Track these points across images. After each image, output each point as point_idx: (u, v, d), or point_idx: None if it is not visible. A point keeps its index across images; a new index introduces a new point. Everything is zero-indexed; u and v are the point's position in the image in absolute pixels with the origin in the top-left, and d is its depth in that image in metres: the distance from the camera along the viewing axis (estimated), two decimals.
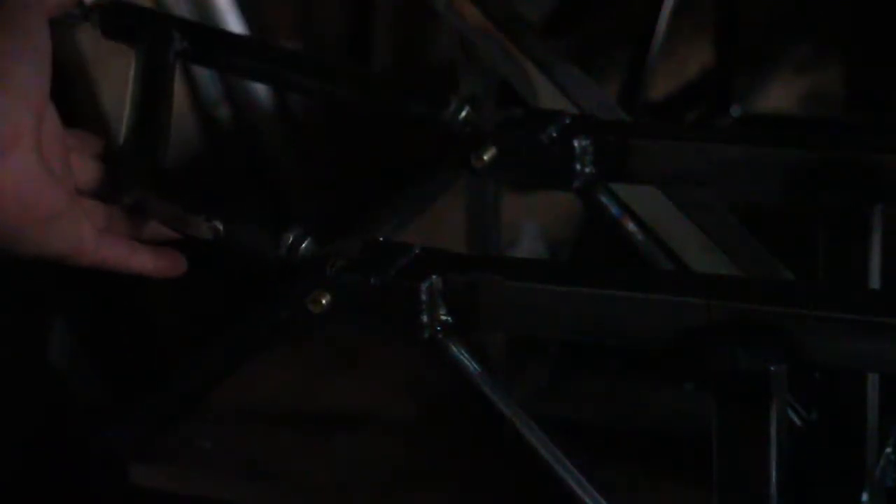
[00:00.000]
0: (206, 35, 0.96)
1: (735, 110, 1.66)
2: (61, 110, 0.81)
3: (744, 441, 0.73)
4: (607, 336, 0.76)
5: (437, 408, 1.26)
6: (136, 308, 1.57)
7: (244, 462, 1.23)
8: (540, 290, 0.77)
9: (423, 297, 0.77)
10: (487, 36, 1.08)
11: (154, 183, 0.84)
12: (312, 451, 1.23)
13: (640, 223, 0.95)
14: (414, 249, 0.79)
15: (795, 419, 0.90)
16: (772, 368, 0.71)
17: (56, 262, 0.81)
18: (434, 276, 0.77)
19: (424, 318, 0.77)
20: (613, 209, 0.93)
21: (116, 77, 1.43)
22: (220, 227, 0.82)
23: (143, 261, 0.85)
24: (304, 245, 0.80)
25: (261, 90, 1.74)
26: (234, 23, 1.72)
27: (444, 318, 0.78)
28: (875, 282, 0.87)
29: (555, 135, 0.89)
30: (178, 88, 0.95)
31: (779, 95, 1.81)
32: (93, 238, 0.82)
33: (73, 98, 1.49)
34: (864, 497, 0.89)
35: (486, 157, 0.90)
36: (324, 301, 0.78)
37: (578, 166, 0.90)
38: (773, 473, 0.73)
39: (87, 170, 0.85)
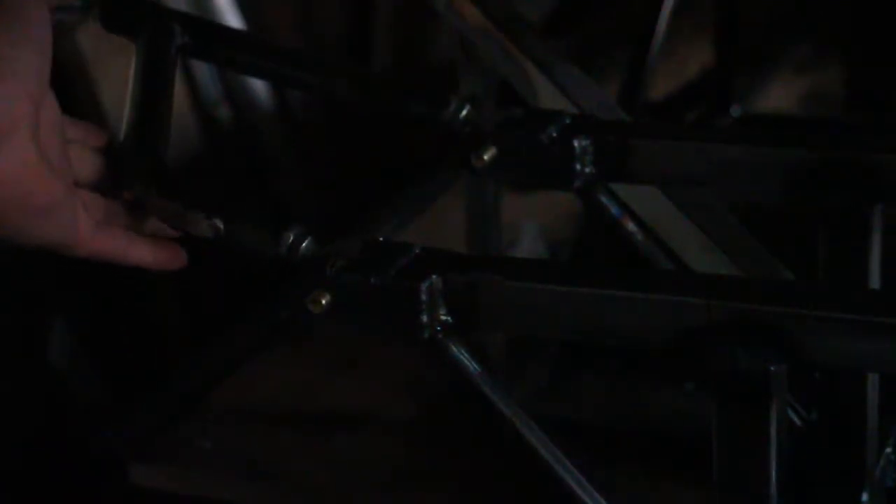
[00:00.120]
0: (207, 29, 0.96)
1: (735, 110, 1.66)
2: (61, 108, 0.81)
3: (744, 441, 0.73)
4: (607, 336, 0.76)
5: (437, 408, 1.26)
6: (136, 308, 1.57)
7: (244, 462, 1.23)
8: (540, 290, 0.77)
9: (423, 297, 0.77)
10: (487, 36, 1.08)
11: (154, 179, 0.84)
12: (312, 451, 1.23)
13: (640, 223, 0.95)
14: (414, 249, 0.79)
15: (795, 419, 0.90)
16: (772, 368, 0.71)
17: (52, 251, 0.81)
18: (434, 276, 0.77)
19: (424, 318, 0.77)
20: (613, 209, 0.93)
21: (116, 76, 1.43)
22: (221, 225, 0.81)
23: (142, 253, 0.84)
24: (304, 244, 0.80)
25: (261, 89, 1.74)
26: (234, 22, 1.72)
27: (444, 318, 0.78)
28: (875, 282, 0.87)
29: (555, 135, 0.89)
30: (179, 87, 0.95)
31: (779, 95, 1.81)
32: (89, 229, 0.81)
33: (73, 97, 1.49)
34: (865, 497, 0.90)
35: (486, 157, 0.90)
36: (324, 301, 0.78)
37: (578, 166, 0.90)
38: (773, 473, 0.73)
39: (87, 163, 0.85)
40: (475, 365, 0.80)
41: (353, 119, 1.79)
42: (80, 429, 1.42)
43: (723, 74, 1.67)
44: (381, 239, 0.81)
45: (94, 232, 0.82)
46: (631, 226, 0.94)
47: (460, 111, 0.91)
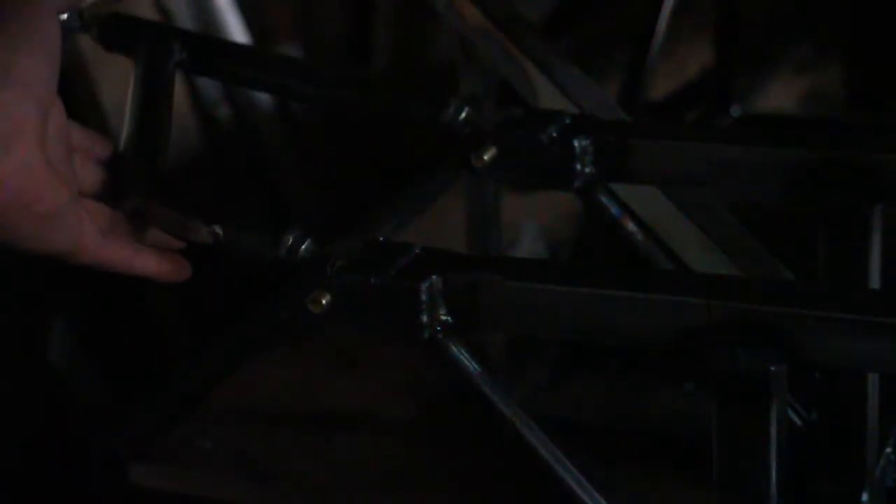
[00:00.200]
0: (206, 45, 0.96)
1: (735, 110, 1.66)
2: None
3: (744, 441, 0.73)
4: (607, 336, 0.76)
5: (437, 408, 1.26)
6: (136, 308, 1.57)
7: (244, 462, 1.23)
8: (540, 290, 0.77)
9: (424, 297, 0.77)
10: (487, 36, 1.08)
11: (153, 189, 0.84)
12: (312, 450, 1.23)
13: (640, 223, 0.95)
14: (414, 249, 0.79)
15: (795, 419, 0.90)
16: (772, 368, 0.71)
17: (57, 259, 0.81)
18: (434, 276, 0.77)
19: (424, 318, 0.77)
20: (613, 209, 0.93)
21: (116, 77, 1.43)
22: (220, 231, 0.82)
23: (147, 264, 0.85)
24: (303, 246, 0.80)
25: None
26: (234, 23, 1.72)
27: (444, 318, 0.78)
28: (875, 282, 0.87)
29: (555, 135, 0.89)
30: (178, 89, 0.95)
31: (779, 95, 1.81)
32: (94, 237, 0.82)
33: (73, 98, 1.49)
34: (864, 497, 0.90)
35: (486, 157, 0.90)
36: (324, 301, 0.78)
37: (578, 166, 0.90)
38: (774, 473, 0.73)
39: (89, 172, 0.85)
40: (475, 365, 0.80)
41: (353, 119, 1.79)
42: (80, 429, 1.42)
43: (723, 74, 1.67)
44: (381, 239, 0.81)
45: (100, 241, 0.82)
46: (631, 226, 0.94)
47: (460, 112, 0.91)
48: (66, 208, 0.79)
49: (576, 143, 0.89)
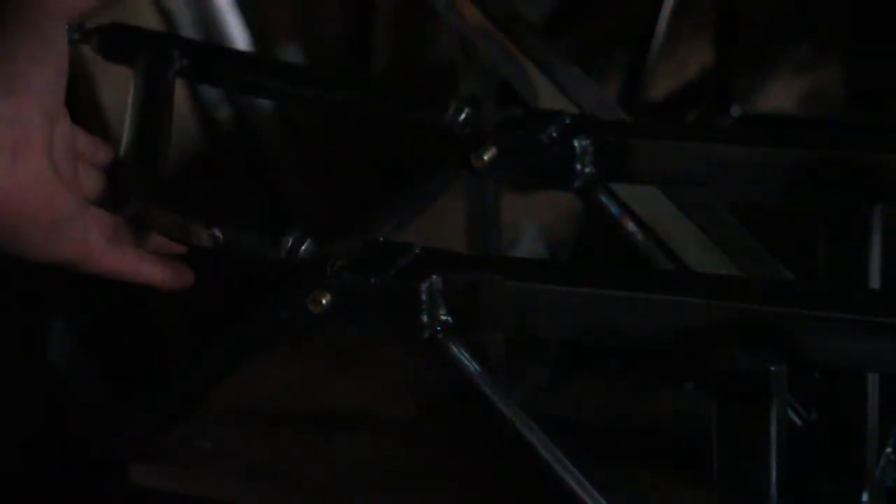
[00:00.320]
0: (206, 53, 0.97)
1: (735, 110, 1.65)
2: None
3: (744, 441, 0.73)
4: (607, 336, 0.76)
5: (437, 408, 1.26)
6: (136, 307, 1.57)
7: (244, 462, 1.23)
8: (540, 290, 0.77)
9: (424, 296, 0.77)
10: (487, 36, 1.08)
11: (153, 195, 0.84)
12: (312, 450, 1.23)
13: (640, 223, 0.95)
14: (414, 249, 0.79)
15: (796, 419, 0.90)
16: (772, 368, 0.71)
17: (64, 267, 0.81)
18: (434, 276, 0.77)
19: (424, 318, 0.77)
20: (613, 209, 0.93)
21: (118, 78, 1.43)
22: (220, 234, 0.82)
23: (152, 271, 0.85)
24: (303, 247, 0.80)
25: None
26: (234, 23, 1.72)
27: (444, 318, 0.78)
28: (875, 282, 0.87)
29: (555, 135, 0.89)
30: (178, 89, 0.95)
31: (779, 95, 1.81)
32: (101, 245, 0.82)
33: (74, 100, 1.49)
34: (865, 497, 0.89)
35: (486, 157, 0.90)
36: (324, 301, 0.78)
37: (578, 166, 0.90)
38: (774, 473, 0.73)
39: (91, 179, 0.85)
40: (475, 365, 0.80)
41: (352, 120, 1.79)
42: (81, 429, 1.42)
43: (723, 74, 1.67)
44: (381, 239, 0.81)
45: (105, 249, 0.82)
46: (631, 226, 0.94)
47: (460, 112, 0.91)
48: (74, 217, 0.79)
49: (576, 143, 0.89)
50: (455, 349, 0.79)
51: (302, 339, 1.36)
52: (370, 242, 0.80)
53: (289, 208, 1.76)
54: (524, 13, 1.10)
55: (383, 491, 1.18)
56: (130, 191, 0.85)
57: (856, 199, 0.86)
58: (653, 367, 1.20)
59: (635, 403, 1.22)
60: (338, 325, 0.79)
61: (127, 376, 1.50)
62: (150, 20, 1.65)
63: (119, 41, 0.94)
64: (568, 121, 0.91)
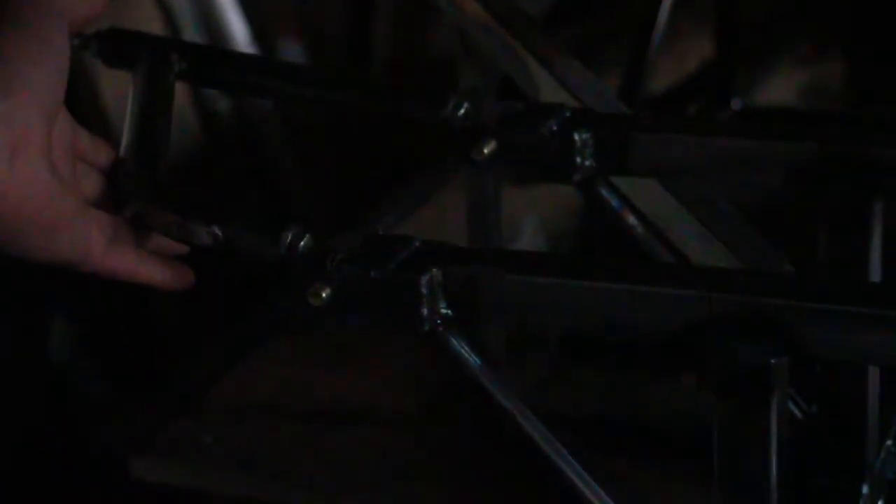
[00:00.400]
0: (205, 56, 0.97)
1: (736, 103, 1.65)
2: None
3: (744, 434, 0.73)
4: (607, 329, 0.76)
5: (438, 403, 1.26)
6: (136, 303, 1.57)
7: (245, 457, 1.23)
8: (540, 283, 0.77)
9: (424, 289, 0.77)
10: (488, 30, 1.08)
11: (151, 196, 0.84)
12: (313, 446, 1.23)
13: (640, 216, 0.95)
14: (414, 242, 0.79)
15: (796, 412, 0.90)
16: (772, 361, 0.71)
17: (64, 268, 0.81)
18: (434, 269, 0.77)
19: (425, 311, 0.77)
20: (614, 202, 0.93)
21: (118, 76, 1.43)
22: (219, 232, 0.82)
23: (152, 271, 0.85)
24: (302, 242, 0.80)
25: None
26: (234, 20, 1.72)
27: (444, 311, 0.78)
28: (876, 274, 0.87)
29: (555, 128, 0.89)
30: (179, 87, 0.95)
31: (780, 89, 1.81)
32: (101, 246, 0.82)
33: (74, 97, 1.49)
34: (865, 489, 0.89)
35: (486, 151, 0.90)
36: (324, 294, 0.78)
37: (579, 160, 0.90)
38: (774, 466, 0.73)
39: (91, 180, 0.85)
40: (475, 358, 0.80)
41: (352, 116, 1.79)
42: (81, 425, 1.42)
43: (723, 68, 1.67)
44: (381, 232, 0.81)
45: (106, 249, 0.82)
46: (631, 219, 0.94)
47: (459, 108, 0.91)
48: (73, 218, 0.79)
49: (576, 137, 0.89)
50: (455, 342, 0.79)
51: (302, 336, 1.36)
52: (370, 236, 0.80)
53: (289, 204, 1.76)
54: (524, 7, 1.10)
55: (384, 486, 1.18)
56: (130, 192, 0.85)
57: (856, 192, 0.86)
58: (653, 360, 1.20)
59: (635, 397, 1.22)
60: (338, 319, 0.79)
61: (127, 373, 1.50)
62: (150, 17, 1.65)
63: (118, 46, 0.94)
64: (568, 114, 0.90)
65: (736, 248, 0.99)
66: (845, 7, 1.77)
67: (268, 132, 1.76)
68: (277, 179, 1.76)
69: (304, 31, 1.83)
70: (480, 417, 1.12)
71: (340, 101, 0.96)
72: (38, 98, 0.77)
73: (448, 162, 1.54)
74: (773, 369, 0.71)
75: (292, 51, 1.82)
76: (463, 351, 0.79)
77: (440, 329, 0.78)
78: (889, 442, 0.92)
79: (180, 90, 0.95)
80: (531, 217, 1.50)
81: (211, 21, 1.71)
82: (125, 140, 0.88)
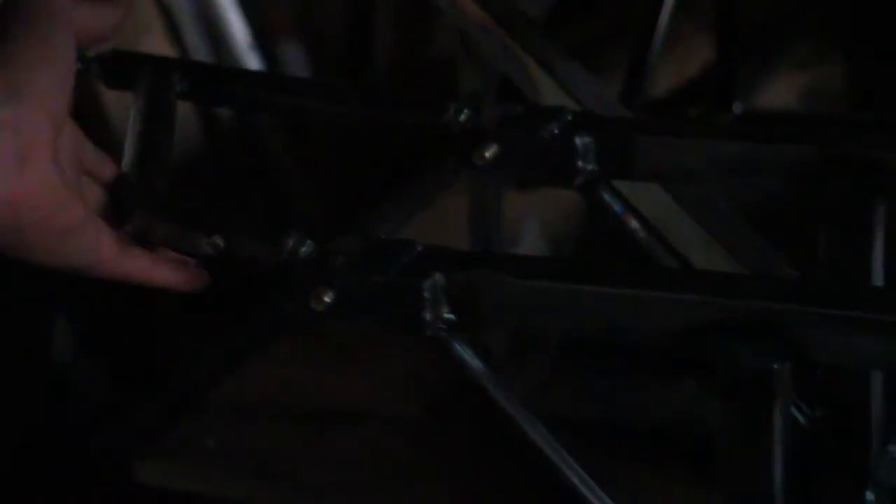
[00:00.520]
0: (206, 74, 0.97)
1: (737, 106, 1.65)
2: None
3: (747, 439, 0.73)
4: (609, 333, 0.76)
5: (439, 406, 1.26)
6: (138, 305, 1.57)
7: (246, 459, 1.23)
8: (542, 287, 0.77)
9: (426, 294, 0.77)
10: (488, 32, 1.08)
11: (153, 210, 0.84)
12: (314, 448, 1.23)
13: (642, 220, 0.94)
14: (416, 247, 0.79)
15: (799, 417, 0.90)
16: (775, 366, 0.71)
17: (76, 273, 0.81)
18: (436, 274, 0.77)
19: (427, 316, 0.77)
20: (616, 206, 0.93)
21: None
22: (221, 242, 0.82)
23: (167, 274, 0.85)
24: (304, 248, 0.80)
25: None
26: (235, 21, 1.72)
27: (446, 315, 0.78)
28: (878, 279, 0.87)
29: (556, 132, 0.89)
30: None
31: (781, 91, 1.81)
32: (113, 251, 0.82)
33: (78, 108, 1.49)
34: (868, 495, 0.89)
35: (487, 155, 0.89)
36: (326, 298, 0.78)
37: (580, 163, 0.89)
38: (777, 471, 0.73)
39: (94, 193, 0.85)
40: (477, 362, 0.80)
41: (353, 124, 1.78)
42: (83, 427, 1.42)
43: (724, 70, 1.67)
44: (383, 236, 0.81)
45: (118, 253, 0.82)
46: (633, 223, 0.94)
47: (460, 114, 0.91)
48: (83, 223, 0.79)
49: (577, 140, 0.89)
50: (457, 346, 0.79)
51: (303, 337, 1.36)
52: (372, 240, 0.80)
53: (290, 208, 1.76)
54: (524, 9, 1.10)
55: (385, 488, 1.18)
56: (131, 207, 0.85)
57: (858, 196, 0.86)
58: (655, 364, 1.20)
59: (637, 400, 1.22)
60: (340, 323, 0.79)
61: (129, 374, 1.50)
62: (150, 17, 1.65)
63: (119, 68, 0.94)
64: (569, 117, 0.90)
65: (738, 252, 0.98)
66: (845, 8, 1.77)
67: (269, 136, 1.76)
68: (279, 184, 1.76)
69: (304, 32, 1.83)
70: (482, 419, 1.12)
71: (341, 114, 0.96)
72: (46, 106, 0.77)
73: (449, 166, 1.54)
74: (775, 374, 0.71)
75: (292, 51, 1.82)
76: (465, 355, 0.79)
77: (442, 333, 0.78)
78: (892, 447, 0.92)
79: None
80: (533, 221, 1.50)
81: (211, 21, 1.71)
82: (126, 157, 0.88)
